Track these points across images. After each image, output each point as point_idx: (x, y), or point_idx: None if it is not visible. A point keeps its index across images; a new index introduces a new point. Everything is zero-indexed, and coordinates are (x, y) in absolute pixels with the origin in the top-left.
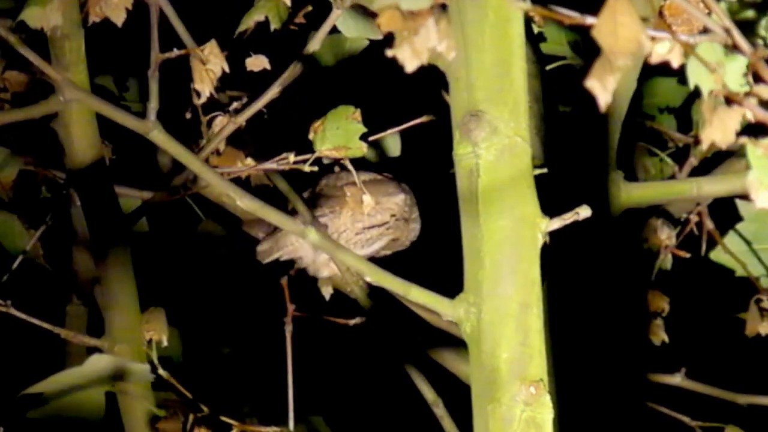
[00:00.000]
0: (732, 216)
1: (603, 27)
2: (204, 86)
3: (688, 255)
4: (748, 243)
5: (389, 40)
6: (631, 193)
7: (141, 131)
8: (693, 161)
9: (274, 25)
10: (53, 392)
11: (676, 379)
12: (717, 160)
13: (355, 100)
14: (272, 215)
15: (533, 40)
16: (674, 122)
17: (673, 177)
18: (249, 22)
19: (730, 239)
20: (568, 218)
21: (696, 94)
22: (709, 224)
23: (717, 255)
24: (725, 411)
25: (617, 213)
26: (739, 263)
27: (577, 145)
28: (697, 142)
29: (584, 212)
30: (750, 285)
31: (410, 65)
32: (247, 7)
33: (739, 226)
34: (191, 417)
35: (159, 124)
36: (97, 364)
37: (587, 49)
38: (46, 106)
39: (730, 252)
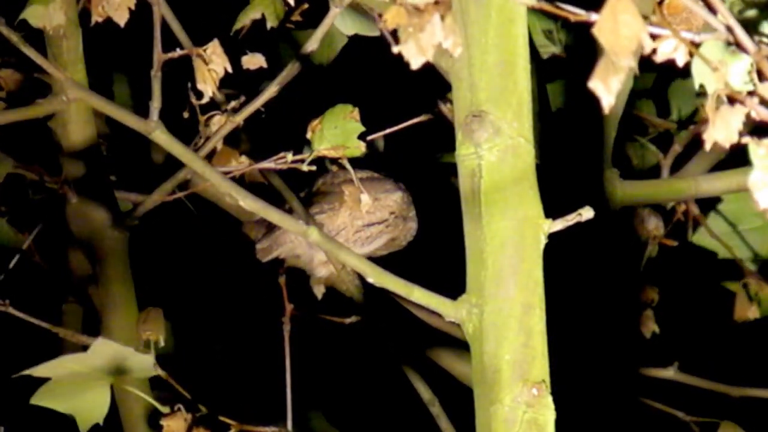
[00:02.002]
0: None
1: (604, 25)
2: (207, 86)
3: (675, 244)
4: (731, 224)
5: (382, 38)
6: (627, 192)
7: (143, 131)
8: (677, 148)
9: (270, 23)
10: (58, 381)
11: (669, 373)
12: (699, 145)
13: (346, 98)
14: (274, 215)
15: None
16: (653, 108)
17: (657, 164)
18: (245, 20)
19: (713, 220)
20: (570, 219)
21: (671, 78)
22: (695, 210)
23: (700, 238)
24: (719, 403)
25: (613, 211)
26: (726, 247)
27: (572, 144)
28: (680, 127)
29: (587, 213)
30: (736, 267)
31: (416, 62)
32: (243, 5)
33: (720, 207)
34: (189, 416)
35: (161, 124)
36: (102, 350)
37: (565, 39)
38: (48, 105)
39: (716, 236)
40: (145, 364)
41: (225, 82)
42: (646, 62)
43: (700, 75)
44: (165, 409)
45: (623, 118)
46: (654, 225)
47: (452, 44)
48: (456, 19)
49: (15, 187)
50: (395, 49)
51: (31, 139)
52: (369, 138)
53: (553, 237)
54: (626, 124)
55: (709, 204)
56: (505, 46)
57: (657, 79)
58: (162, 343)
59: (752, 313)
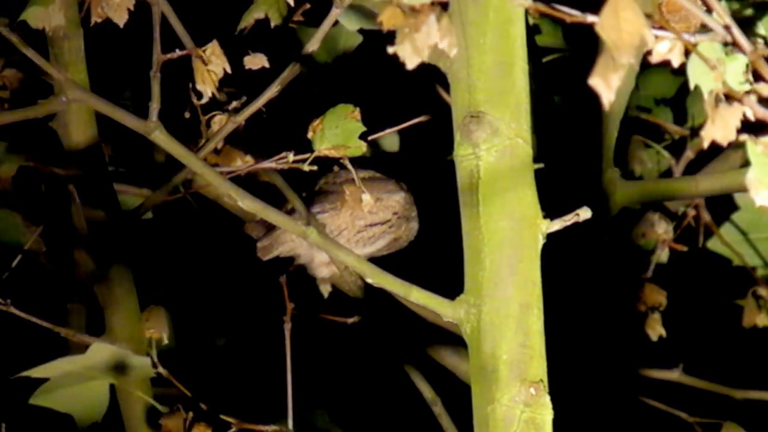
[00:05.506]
0: (728, 204)
1: (606, 22)
2: (206, 87)
3: (685, 248)
4: (744, 233)
5: (384, 37)
6: (627, 192)
7: (142, 132)
8: (689, 154)
9: (274, 22)
10: (56, 381)
11: (674, 375)
12: (714, 152)
13: (349, 97)
14: (274, 216)
15: (528, 34)
16: (670, 114)
17: (669, 170)
18: (249, 19)
19: (726, 229)
20: (568, 220)
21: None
22: (706, 217)
23: (714, 244)
24: (723, 406)
25: (614, 211)
26: (736, 255)
27: (573, 143)
28: (693, 134)
29: (585, 214)
30: (747, 275)
31: (411, 62)
32: (244, 5)
33: (735, 216)
34: (190, 415)
35: (161, 124)
36: (100, 353)
37: (584, 41)
38: (48, 106)
39: (727, 244)
40: (143, 365)
41: (228, 82)
42: (672, 70)
43: (695, 75)
44: (164, 409)
45: (640, 124)
46: (663, 229)
47: (448, 45)
48: (454, 20)
49: (23, 182)
50: (390, 50)
51: (45, 134)
52: (370, 138)
53: (554, 236)
54: (642, 130)
55: (723, 213)
56: (503, 47)
57: (680, 88)
58: (165, 341)
59: (761, 320)
